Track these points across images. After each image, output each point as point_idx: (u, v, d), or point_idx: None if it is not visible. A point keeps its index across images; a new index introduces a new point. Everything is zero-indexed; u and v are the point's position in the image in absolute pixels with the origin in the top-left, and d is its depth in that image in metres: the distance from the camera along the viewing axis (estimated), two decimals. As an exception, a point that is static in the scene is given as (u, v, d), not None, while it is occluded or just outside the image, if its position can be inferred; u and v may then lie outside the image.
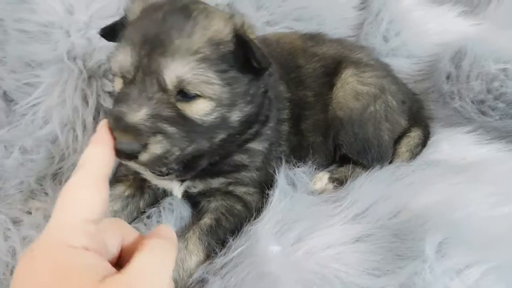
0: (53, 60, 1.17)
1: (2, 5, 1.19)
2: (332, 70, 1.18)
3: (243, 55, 0.83)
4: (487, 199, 0.91)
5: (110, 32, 0.91)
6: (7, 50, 1.20)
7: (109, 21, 1.19)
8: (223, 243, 0.92)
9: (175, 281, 0.84)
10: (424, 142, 1.28)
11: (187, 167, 0.89)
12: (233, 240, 0.91)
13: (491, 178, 1.02)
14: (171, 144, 0.76)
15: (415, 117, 1.30)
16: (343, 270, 0.83)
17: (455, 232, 0.81)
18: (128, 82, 0.78)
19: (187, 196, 1.04)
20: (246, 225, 0.94)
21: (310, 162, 1.10)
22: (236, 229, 0.94)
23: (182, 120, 0.79)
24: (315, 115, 1.15)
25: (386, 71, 1.28)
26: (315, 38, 1.27)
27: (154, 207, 1.03)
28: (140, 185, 1.04)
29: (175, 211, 1.03)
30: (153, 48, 0.76)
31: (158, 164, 0.79)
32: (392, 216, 0.92)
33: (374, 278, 0.81)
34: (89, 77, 1.19)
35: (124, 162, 0.80)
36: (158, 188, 1.05)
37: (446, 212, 0.87)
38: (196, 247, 0.89)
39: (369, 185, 1.00)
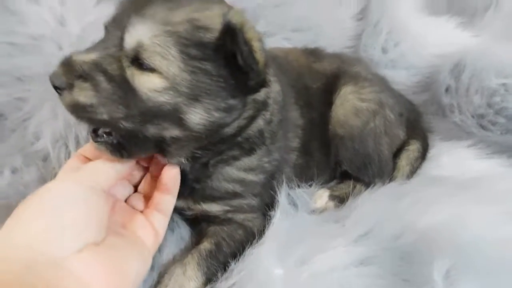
0: (45, 74, 1.10)
1: (-9, 17, 1.15)
2: (331, 87, 1.16)
3: (230, 54, 0.74)
4: (492, 219, 0.89)
5: None
6: (-4, 64, 1.15)
7: (102, 34, 1.18)
8: (224, 267, 0.89)
9: None
10: (423, 155, 1.27)
11: (123, 146, 0.79)
12: (235, 263, 0.90)
13: (495, 196, 1.01)
14: (97, 101, 0.71)
15: (413, 128, 1.29)
16: (348, 296, 0.81)
17: (463, 257, 0.79)
18: (105, 34, 0.78)
19: (185, 219, 1.00)
20: (248, 248, 0.91)
21: (314, 181, 1.08)
22: (237, 253, 0.90)
23: (124, 85, 0.72)
24: (320, 135, 1.13)
25: (383, 85, 1.26)
26: (315, 53, 1.25)
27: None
28: None
29: (175, 230, 1.00)
30: (135, 8, 0.74)
31: (80, 115, 0.74)
32: (397, 238, 0.90)
33: (382, 304, 0.79)
34: (82, 91, 1.14)
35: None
36: None
37: (452, 235, 0.84)
38: (195, 273, 0.85)
39: (371, 204, 0.98)
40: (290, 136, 1.05)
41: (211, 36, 0.74)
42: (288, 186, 1.01)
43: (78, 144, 1.13)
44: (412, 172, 1.21)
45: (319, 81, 1.16)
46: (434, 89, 1.44)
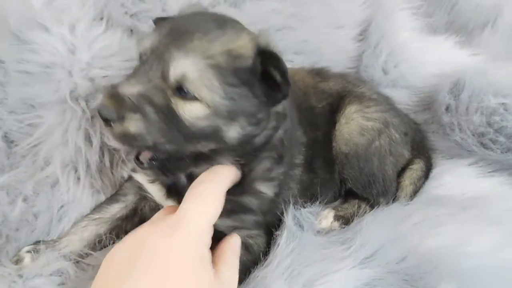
0: (56, 101, 1.16)
1: (3, 46, 1.18)
2: (336, 106, 1.19)
3: (261, 74, 0.83)
4: (496, 241, 0.91)
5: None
6: (8, 91, 1.18)
7: (111, 60, 1.23)
8: None
9: None
10: (426, 174, 1.29)
11: (166, 167, 0.88)
12: (240, 284, 0.91)
13: (498, 216, 1.03)
14: (146, 130, 0.77)
15: (418, 148, 1.31)
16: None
17: (468, 281, 0.80)
18: (142, 62, 0.83)
19: None
20: (252, 269, 0.93)
21: (318, 201, 1.09)
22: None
23: (169, 114, 0.79)
24: (324, 153, 1.16)
25: (388, 104, 1.30)
26: (320, 73, 1.28)
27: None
28: (135, 207, 1.10)
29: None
30: (173, 40, 0.79)
31: (128, 143, 0.79)
32: (401, 260, 0.92)
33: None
34: (92, 117, 1.17)
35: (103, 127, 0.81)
36: (155, 209, 1.05)
37: (456, 258, 0.86)
38: None
39: (376, 226, 0.99)
40: (295, 153, 1.08)
41: (246, 63, 0.82)
42: (294, 206, 1.03)
43: (88, 168, 1.16)
44: (415, 191, 1.23)
45: (324, 100, 1.19)
46: (434, 108, 1.47)
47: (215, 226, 0.96)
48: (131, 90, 0.77)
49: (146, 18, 1.31)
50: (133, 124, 0.76)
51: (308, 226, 1.05)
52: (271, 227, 1.04)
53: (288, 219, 1.00)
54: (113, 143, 1.17)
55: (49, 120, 1.16)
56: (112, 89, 0.77)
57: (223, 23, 0.86)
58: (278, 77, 0.82)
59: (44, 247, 0.98)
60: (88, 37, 1.22)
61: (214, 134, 0.83)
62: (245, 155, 0.93)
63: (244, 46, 0.83)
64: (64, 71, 1.18)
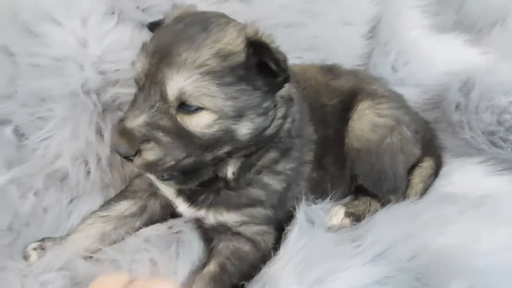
0: (67, 94, 1.16)
1: (14, 39, 1.19)
2: (348, 104, 1.19)
3: (256, 65, 0.84)
4: (506, 241, 0.91)
5: (153, 27, 0.98)
6: (19, 84, 1.19)
7: (122, 54, 1.23)
8: (235, 285, 0.91)
9: None
10: (436, 172, 1.28)
11: (188, 176, 0.90)
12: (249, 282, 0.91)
13: (508, 216, 1.03)
14: (164, 153, 0.80)
15: (428, 146, 1.30)
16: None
17: (479, 279, 0.80)
18: (140, 88, 0.84)
19: (201, 229, 1.04)
20: (260, 267, 0.93)
21: (328, 197, 1.09)
22: (244, 272, 0.94)
23: (179, 132, 0.81)
24: (335, 149, 1.15)
25: (400, 102, 1.29)
26: (332, 71, 1.28)
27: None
28: (145, 204, 1.09)
29: (188, 250, 1.02)
30: (162, 58, 0.80)
31: (153, 170, 0.84)
32: (411, 258, 0.91)
33: (398, 324, 0.81)
34: (103, 111, 1.18)
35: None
36: (167, 207, 1.08)
37: (466, 257, 0.86)
38: None
39: (387, 224, 0.99)
40: (305, 150, 1.08)
41: (238, 58, 0.83)
42: (305, 202, 1.03)
43: (99, 162, 1.16)
44: (425, 189, 1.22)
45: (336, 98, 1.19)
46: (444, 106, 1.46)
47: (224, 222, 0.98)
48: (137, 122, 0.80)
49: (156, 13, 1.31)
50: (150, 153, 0.80)
51: (319, 223, 1.05)
52: (281, 224, 1.04)
53: (300, 215, 1.00)
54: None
55: (60, 113, 1.17)
56: (120, 126, 0.81)
57: (206, 23, 0.85)
58: (273, 66, 0.83)
59: (50, 244, 0.98)
60: (100, 31, 1.22)
61: (226, 136, 0.85)
62: (256, 150, 0.94)
63: (232, 42, 0.83)
64: (75, 65, 1.18)
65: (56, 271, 0.92)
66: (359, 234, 1.00)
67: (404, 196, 1.18)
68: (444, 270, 0.85)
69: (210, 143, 0.84)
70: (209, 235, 1.04)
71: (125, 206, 1.07)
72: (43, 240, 1.00)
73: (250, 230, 0.99)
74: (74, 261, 0.94)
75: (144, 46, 0.87)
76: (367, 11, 1.57)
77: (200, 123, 0.82)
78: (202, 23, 0.85)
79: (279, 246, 0.99)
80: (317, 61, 1.46)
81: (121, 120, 0.83)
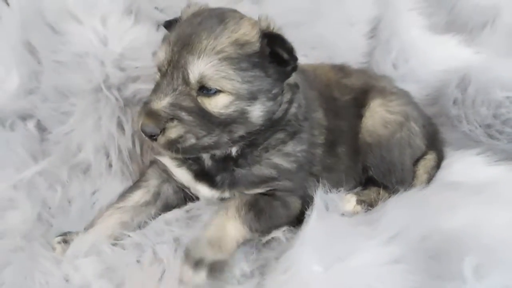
0: (88, 90, 1.20)
1: (38, 36, 1.22)
2: (360, 101, 1.27)
3: (269, 54, 0.93)
4: (510, 219, 0.99)
5: (169, 25, 1.07)
6: (41, 80, 1.23)
7: (142, 52, 1.28)
8: (258, 227, 0.98)
9: (218, 245, 0.91)
10: (438, 164, 1.36)
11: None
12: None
13: (508, 198, 1.11)
14: (185, 130, 0.89)
15: (431, 140, 1.38)
16: (386, 289, 0.89)
17: (490, 255, 0.87)
18: (163, 74, 0.92)
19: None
20: (285, 224, 1.02)
21: (342, 186, 1.16)
22: (272, 219, 1.01)
23: (200, 112, 0.90)
24: (348, 142, 1.23)
25: (408, 98, 1.37)
26: (343, 70, 1.35)
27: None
28: (158, 190, 1.14)
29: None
30: (183, 46, 0.90)
31: (173, 147, 0.89)
32: (423, 239, 0.97)
33: (417, 297, 0.87)
34: (124, 105, 1.22)
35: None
36: (180, 192, 1.14)
37: (477, 236, 0.93)
38: (234, 214, 0.97)
39: (398, 209, 1.06)
40: (316, 133, 1.15)
41: (254, 47, 0.93)
42: (322, 189, 1.09)
43: (120, 154, 1.21)
44: (429, 179, 1.30)
45: (348, 94, 1.27)
46: (443, 101, 1.55)
47: (246, 193, 1.04)
48: (162, 103, 0.88)
49: (173, 13, 1.36)
50: (173, 131, 0.88)
51: (333, 209, 1.11)
52: (303, 195, 1.11)
53: (317, 200, 1.05)
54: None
55: (82, 107, 1.21)
56: (146, 107, 0.89)
57: (222, 16, 0.95)
58: (285, 55, 0.93)
59: (72, 238, 1.01)
60: (119, 30, 1.27)
61: (241, 117, 0.94)
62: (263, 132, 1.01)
63: (248, 33, 0.94)
64: (96, 61, 1.22)
65: (85, 256, 0.96)
66: (373, 218, 1.06)
67: (410, 186, 1.26)
68: (455, 249, 0.92)
69: (227, 123, 0.93)
70: None
71: (139, 196, 1.12)
72: (65, 234, 1.03)
73: (277, 193, 1.07)
74: (101, 247, 0.98)
75: (166, 37, 0.97)
76: (369, 12, 1.66)
77: (218, 104, 0.91)
78: (219, 17, 0.95)
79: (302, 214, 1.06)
80: (322, 59, 1.53)
81: (147, 103, 0.90)
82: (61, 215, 1.08)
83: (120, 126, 1.22)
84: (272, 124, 1.02)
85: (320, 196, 1.08)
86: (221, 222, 0.96)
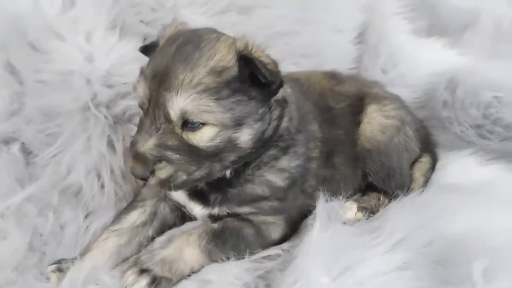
0: (75, 109, 1.16)
1: (19, 56, 1.18)
2: (357, 108, 1.26)
3: (248, 76, 0.90)
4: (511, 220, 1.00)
5: (146, 50, 1.05)
6: (25, 102, 1.18)
7: (129, 68, 1.24)
8: (219, 257, 0.97)
9: (170, 265, 0.92)
10: (433, 167, 1.38)
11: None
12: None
13: (505, 199, 1.12)
14: (174, 169, 0.88)
15: (424, 143, 1.39)
16: (394, 298, 0.88)
17: (497, 258, 0.87)
18: (145, 112, 0.91)
19: (211, 217, 1.08)
20: (256, 250, 1.00)
21: (341, 195, 1.13)
22: (239, 248, 0.99)
23: (187, 147, 0.89)
24: (346, 150, 1.22)
25: (401, 102, 1.38)
26: (335, 77, 1.35)
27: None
28: (154, 210, 1.11)
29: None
30: (160, 82, 0.87)
31: (166, 186, 0.90)
32: (428, 244, 0.97)
33: (425, 303, 0.86)
34: (114, 123, 1.18)
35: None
36: (177, 210, 1.13)
37: (480, 239, 0.93)
38: (194, 241, 0.96)
39: (400, 215, 1.05)
40: (311, 146, 1.13)
41: (232, 73, 0.90)
42: (324, 198, 1.07)
43: (112, 174, 1.16)
44: (426, 182, 1.31)
45: (343, 102, 1.26)
46: (433, 104, 1.57)
47: (236, 211, 1.04)
48: (147, 145, 0.87)
49: (159, 26, 1.33)
50: (163, 172, 0.87)
51: (334, 218, 1.09)
52: (291, 217, 1.10)
53: (319, 210, 1.04)
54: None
55: (69, 128, 1.16)
56: (133, 150, 0.88)
57: (198, 41, 0.91)
58: (263, 80, 0.89)
59: (68, 266, 0.96)
60: (105, 46, 1.23)
61: (230, 145, 0.92)
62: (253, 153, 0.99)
63: (224, 58, 0.90)
64: (82, 79, 1.18)
65: (83, 286, 0.90)
66: (376, 226, 1.05)
67: (408, 189, 1.26)
68: (460, 253, 0.91)
69: (215, 154, 0.91)
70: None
71: (135, 216, 1.08)
72: (59, 262, 0.98)
73: (257, 218, 1.05)
74: (99, 275, 0.93)
75: (142, 71, 0.94)
76: (355, 19, 1.67)
77: (204, 138, 0.89)
78: (194, 42, 0.91)
79: (287, 238, 1.08)
80: (313, 66, 1.53)
81: (133, 144, 0.89)
82: (54, 242, 1.03)
83: (111, 145, 1.18)
84: (264, 144, 0.99)
85: (322, 205, 1.06)
86: (180, 245, 0.96)
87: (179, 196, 1.08)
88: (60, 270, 0.95)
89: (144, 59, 1.25)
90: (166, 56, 0.89)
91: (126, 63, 1.23)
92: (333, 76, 1.35)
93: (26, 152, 1.18)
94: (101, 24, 1.26)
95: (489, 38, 1.91)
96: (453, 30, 2.10)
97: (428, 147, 1.40)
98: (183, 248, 0.95)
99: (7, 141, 1.17)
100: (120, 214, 1.09)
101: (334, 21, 1.61)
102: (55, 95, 1.17)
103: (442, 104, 1.52)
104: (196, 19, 1.35)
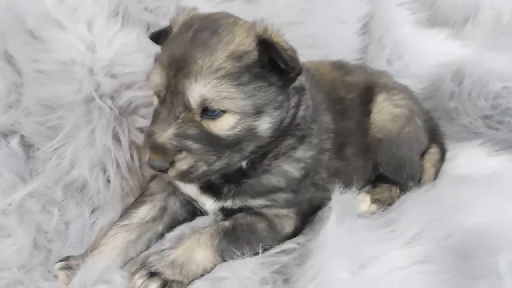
0: (78, 101, 1.10)
1: (16, 45, 1.12)
2: (366, 98, 1.24)
3: (268, 61, 0.87)
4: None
5: (157, 37, 0.99)
6: (23, 92, 1.12)
7: (133, 57, 1.19)
8: (232, 256, 0.94)
9: (180, 267, 0.88)
10: (442, 157, 1.36)
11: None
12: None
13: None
14: (195, 160, 0.84)
15: (431, 134, 1.38)
16: (416, 292, 0.86)
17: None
18: (161, 101, 0.86)
19: (222, 210, 1.05)
20: (271, 245, 0.98)
21: (354, 186, 1.11)
22: (252, 244, 0.96)
23: (207, 137, 0.85)
24: (357, 141, 1.20)
25: (409, 92, 1.37)
26: (343, 67, 1.32)
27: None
28: (164, 205, 1.07)
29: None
30: (178, 69, 0.83)
31: (186, 178, 0.86)
32: (447, 237, 0.95)
33: (449, 297, 0.84)
34: (120, 115, 1.13)
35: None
36: (188, 205, 1.09)
37: (499, 232, 0.91)
38: (207, 242, 0.93)
39: (415, 208, 1.03)
40: (324, 137, 1.10)
41: (252, 57, 0.86)
42: (339, 191, 1.05)
43: (118, 168, 1.12)
44: (436, 173, 1.30)
45: (353, 92, 1.24)
46: (438, 95, 1.56)
47: (249, 204, 1.01)
48: (166, 135, 0.82)
49: (162, 14, 1.29)
50: (183, 163, 0.83)
51: (348, 210, 1.07)
52: (302, 210, 1.08)
53: (334, 202, 1.01)
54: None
55: (72, 120, 1.11)
56: (151, 140, 0.83)
57: (215, 26, 0.87)
58: (282, 65, 0.86)
59: (76, 262, 0.92)
60: (107, 34, 1.18)
61: (250, 134, 0.88)
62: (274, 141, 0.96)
63: (243, 42, 0.86)
64: (84, 69, 1.13)
65: (94, 286, 0.86)
66: (391, 219, 1.03)
67: (420, 180, 1.24)
68: (483, 246, 0.90)
69: (235, 143, 0.87)
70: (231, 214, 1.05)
71: (145, 211, 1.04)
72: (67, 259, 0.94)
73: (270, 211, 1.03)
74: (110, 274, 0.89)
75: (158, 58, 0.89)
76: (359, 10, 1.66)
77: (224, 126, 0.85)
78: (211, 27, 0.87)
79: (298, 232, 1.05)
80: (318, 57, 1.49)
81: (150, 135, 0.84)
82: (59, 239, 0.98)
83: (116, 137, 1.13)
84: (282, 133, 0.96)
85: (337, 198, 1.04)
86: (191, 247, 0.92)
87: (191, 189, 1.04)
88: (68, 267, 0.90)
89: (148, 48, 1.22)
90: (183, 42, 0.85)
91: (130, 52, 1.18)
92: (341, 67, 1.32)
93: (26, 145, 1.13)
94: (103, 12, 1.20)
95: (489, 30, 1.90)
96: (453, 22, 2.09)
97: (435, 138, 1.39)
98: (194, 249, 0.91)
99: (6, 134, 1.11)
100: (128, 209, 1.04)
101: (339, 12, 1.59)
102: (56, 86, 1.11)
103: (449, 95, 1.50)
104: (200, 7, 1.29)
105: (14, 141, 1.10)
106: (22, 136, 1.12)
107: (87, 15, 1.18)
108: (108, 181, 1.11)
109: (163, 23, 1.28)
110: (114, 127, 1.12)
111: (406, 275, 0.88)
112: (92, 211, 1.07)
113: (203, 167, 0.85)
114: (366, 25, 1.68)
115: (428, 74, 1.63)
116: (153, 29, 1.29)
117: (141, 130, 1.15)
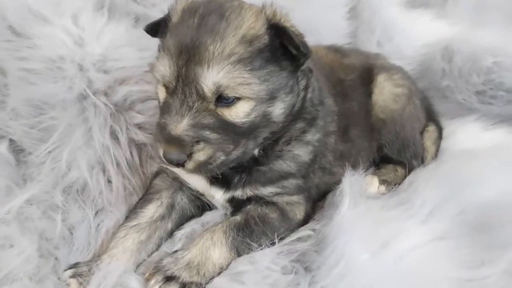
0: (70, 99, 1.04)
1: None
2: (366, 79, 1.24)
3: (279, 46, 0.85)
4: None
5: (154, 29, 0.94)
6: (9, 93, 1.04)
7: (123, 51, 1.13)
8: (248, 250, 0.92)
9: (197, 268, 0.85)
10: (440, 135, 1.38)
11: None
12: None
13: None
14: (214, 150, 0.81)
15: (427, 113, 1.39)
16: (439, 267, 0.86)
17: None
18: (171, 91, 0.83)
19: (232, 201, 1.02)
20: (284, 234, 0.96)
21: (360, 168, 1.10)
22: (266, 234, 0.94)
23: (223, 125, 0.82)
24: (361, 122, 1.19)
25: (405, 72, 1.37)
26: (339, 50, 1.32)
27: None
28: (172, 201, 1.04)
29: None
30: (189, 57, 0.79)
31: (204, 169, 0.83)
32: (461, 212, 0.96)
33: (473, 269, 0.85)
34: (116, 112, 1.07)
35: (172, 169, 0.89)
36: (195, 200, 1.05)
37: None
38: (221, 239, 0.90)
39: (426, 186, 1.04)
40: (328, 119, 1.09)
41: (263, 41, 0.83)
42: (350, 173, 1.03)
43: (118, 166, 1.06)
44: (437, 150, 1.31)
45: (352, 74, 1.23)
46: (430, 75, 1.58)
47: (259, 193, 0.99)
48: (182, 126, 0.79)
49: (150, 5, 1.23)
50: (202, 154, 0.80)
51: (360, 193, 1.06)
52: (310, 195, 1.06)
53: (345, 185, 1.00)
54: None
55: (65, 120, 1.04)
56: (165, 133, 0.80)
57: (221, 10, 0.84)
58: (293, 51, 0.84)
59: (87, 269, 0.87)
60: (94, 28, 1.12)
61: (264, 120, 0.86)
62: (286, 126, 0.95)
63: (253, 26, 0.83)
64: (74, 66, 1.06)
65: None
66: (404, 198, 1.03)
67: (422, 159, 1.25)
68: (499, 218, 0.91)
69: (251, 130, 0.85)
70: (241, 206, 1.02)
71: (152, 210, 0.99)
72: (75, 266, 0.88)
73: (282, 199, 1.01)
74: (127, 280, 0.84)
75: (164, 47, 0.84)
76: (346, -6, 1.64)
77: (240, 113, 0.83)
78: (217, 11, 0.83)
79: (309, 218, 1.04)
80: (311, 43, 1.47)
81: (163, 128, 0.80)
82: (65, 245, 0.92)
83: (114, 135, 1.07)
84: (294, 117, 0.95)
85: (348, 181, 1.02)
86: (205, 246, 0.88)
87: (199, 183, 1.00)
88: (79, 274, 0.85)
89: (140, 41, 1.16)
90: (190, 28, 0.81)
91: (120, 46, 1.13)
92: (337, 50, 1.32)
93: (16, 150, 1.05)
94: (87, 4, 1.14)
95: (472, 7, 1.93)
96: (434, 2, 2.12)
97: (431, 116, 1.41)
98: (209, 248, 0.88)
99: (-9, 139, 1.03)
100: (135, 209, 1.00)
101: (325, -2, 1.57)
102: (44, 84, 1.04)
103: (441, 73, 1.52)
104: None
105: (3, 147, 1.03)
106: (11, 140, 1.05)
107: (72, 8, 1.12)
108: (109, 181, 1.05)
109: (152, 14, 1.24)
110: (112, 125, 1.06)
111: (427, 252, 0.88)
112: (96, 214, 1.01)
113: (221, 157, 0.82)
114: (354, 9, 1.67)
115: (418, 54, 1.65)
116: (142, 21, 1.25)
117: (139, 126, 1.10)
